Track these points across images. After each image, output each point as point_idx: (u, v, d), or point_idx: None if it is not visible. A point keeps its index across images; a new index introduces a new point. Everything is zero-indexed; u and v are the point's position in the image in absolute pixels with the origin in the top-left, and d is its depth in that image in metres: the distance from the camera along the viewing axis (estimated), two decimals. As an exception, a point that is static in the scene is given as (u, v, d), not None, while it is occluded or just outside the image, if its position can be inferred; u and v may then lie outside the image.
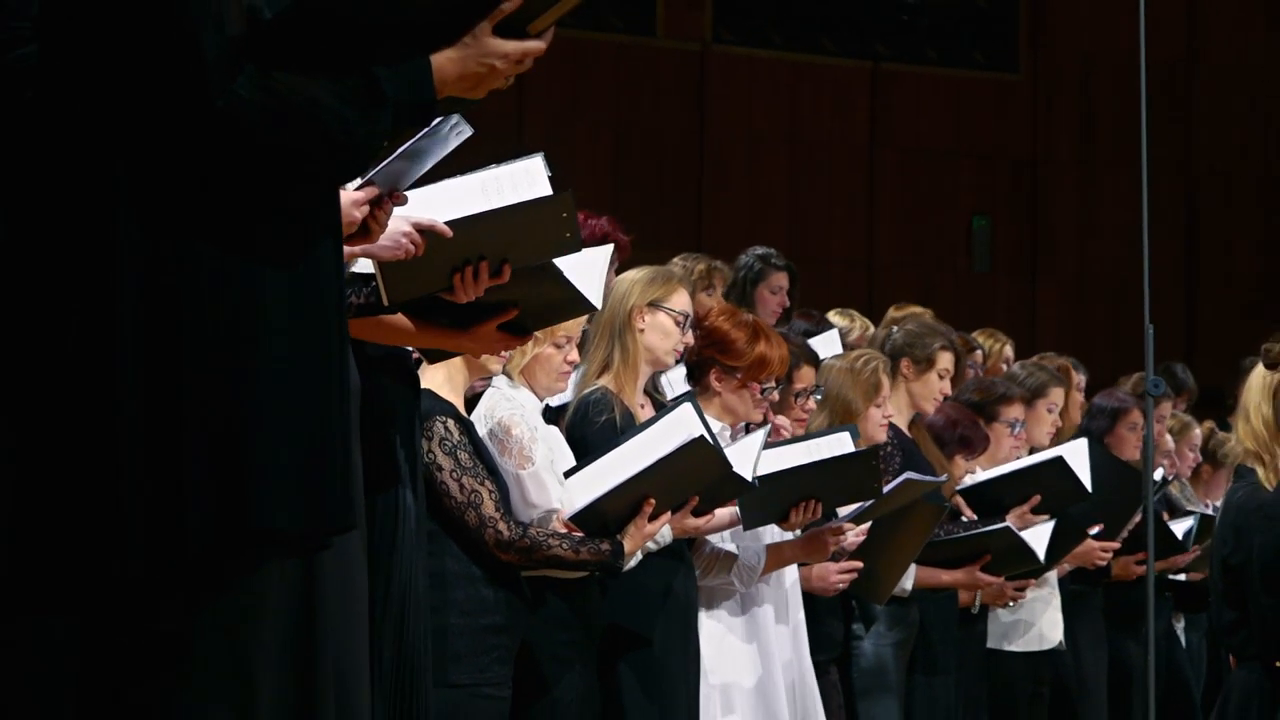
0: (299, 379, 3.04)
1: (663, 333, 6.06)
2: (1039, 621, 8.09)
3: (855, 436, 6.58)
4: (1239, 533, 6.33)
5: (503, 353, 5.37)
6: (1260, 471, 6.39)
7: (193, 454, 2.93)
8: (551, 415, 5.89)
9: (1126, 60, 18.06)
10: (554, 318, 4.97)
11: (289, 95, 2.94)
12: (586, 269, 4.76)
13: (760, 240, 10.07)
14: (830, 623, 7.17)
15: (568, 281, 4.54)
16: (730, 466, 5.72)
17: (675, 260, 8.58)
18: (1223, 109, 18.64)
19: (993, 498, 7.76)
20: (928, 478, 7.00)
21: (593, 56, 16.78)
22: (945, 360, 7.81)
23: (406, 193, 4.05)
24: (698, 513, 5.72)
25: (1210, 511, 8.75)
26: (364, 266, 4.24)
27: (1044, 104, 18.54)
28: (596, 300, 4.92)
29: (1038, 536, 7.48)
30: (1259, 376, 6.50)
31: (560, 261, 4.48)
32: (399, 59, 3.06)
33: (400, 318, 4.44)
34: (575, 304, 4.76)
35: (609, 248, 5.09)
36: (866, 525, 6.66)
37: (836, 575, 6.81)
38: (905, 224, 17.77)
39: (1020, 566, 7.54)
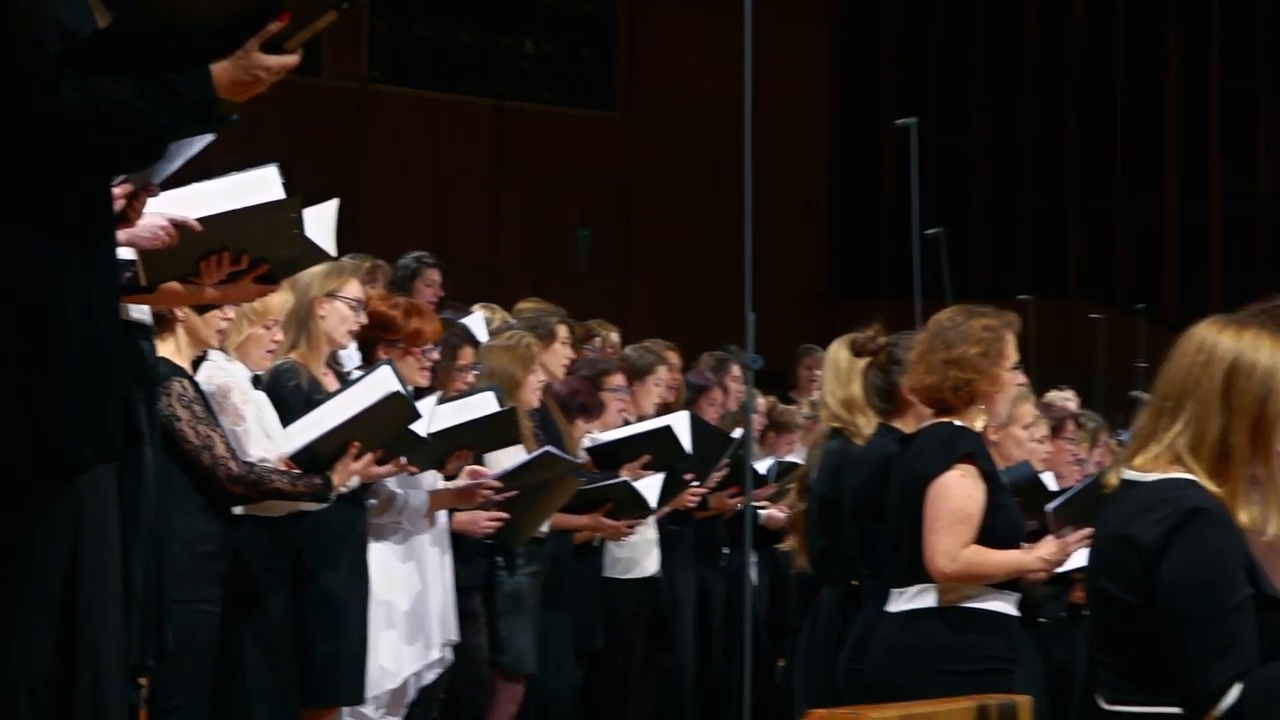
0: (90, 348, 3.14)
1: (340, 317, 6.13)
2: (641, 555, 8.33)
3: (499, 395, 6.80)
4: (834, 475, 6.50)
5: (218, 329, 5.47)
6: (849, 432, 6.65)
7: (14, 405, 3.06)
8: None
9: (700, 100, 18.49)
10: (298, 267, 4.95)
11: (108, 97, 3.00)
12: (317, 225, 4.73)
13: (408, 247, 10.19)
14: (477, 557, 7.29)
15: (307, 238, 4.57)
16: (419, 416, 5.84)
17: (344, 258, 8.64)
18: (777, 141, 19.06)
19: (612, 455, 7.91)
20: (566, 456, 7.19)
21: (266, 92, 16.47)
22: (563, 332, 8.09)
23: (166, 193, 4.08)
24: (381, 462, 5.84)
25: (785, 461, 9.04)
26: (124, 253, 4.18)
27: (636, 136, 18.80)
28: (330, 249, 4.96)
29: (649, 487, 7.66)
30: (844, 360, 6.68)
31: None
32: (188, 67, 3.15)
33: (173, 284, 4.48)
34: (314, 254, 4.78)
35: (334, 203, 5.04)
36: (513, 492, 6.82)
37: (485, 521, 6.98)
38: (524, 234, 17.95)
39: (635, 512, 7.71)
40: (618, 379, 8.45)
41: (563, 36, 18.90)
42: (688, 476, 8.08)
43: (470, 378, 7.27)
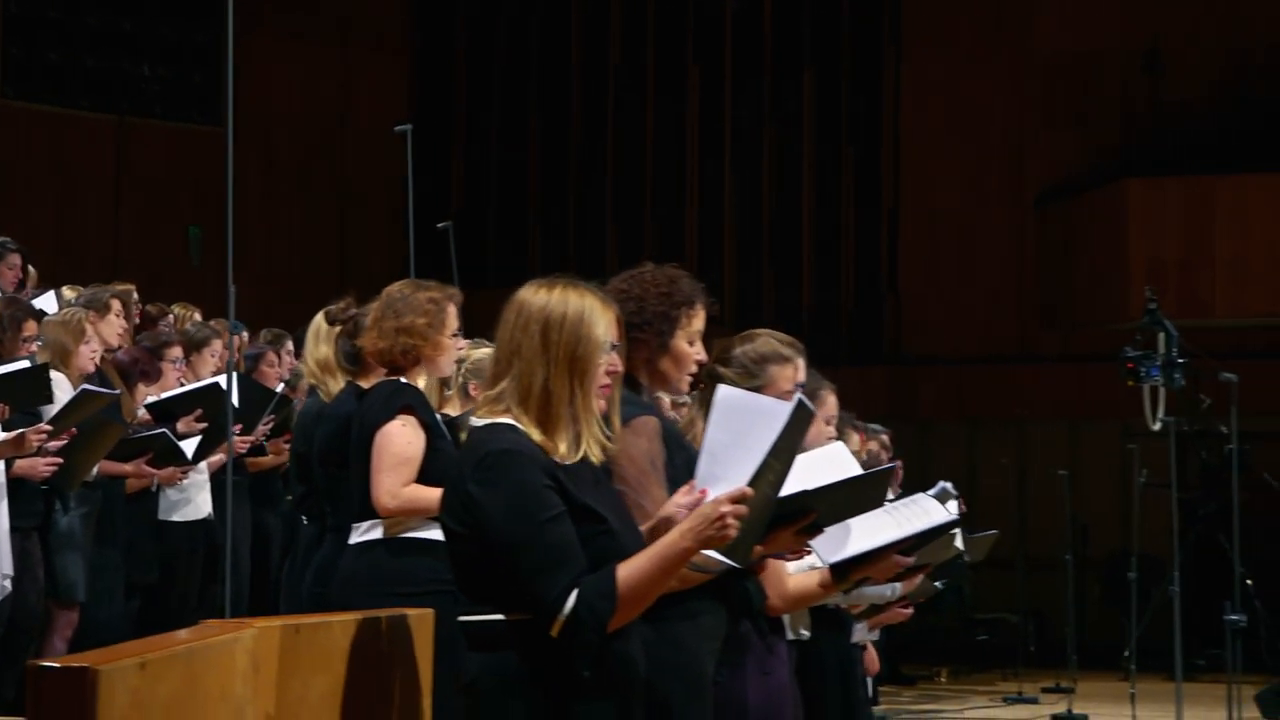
0: None
1: None
2: (195, 497, 8.29)
3: (34, 360, 6.81)
4: (305, 430, 6.67)
5: None
6: (321, 390, 6.75)
7: None
8: None
9: (295, 117, 18.55)
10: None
11: None
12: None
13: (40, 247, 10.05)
14: (34, 499, 7.18)
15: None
16: None
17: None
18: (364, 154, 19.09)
19: (169, 411, 7.94)
20: (103, 390, 7.13)
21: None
22: (116, 306, 8.15)
23: None
24: None
25: None
26: None
27: (240, 147, 18.53)
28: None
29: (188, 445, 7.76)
30: (322, 327, 6.84)
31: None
32: None
33: None
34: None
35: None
36: (64, 438, 6.82)
37: (43, 466, 6.88)
38: (143, 233, 17.55)
39: (174, 460, 7.74)
40: (176, 351, 8.56)
41: (177, 63, 18.46)
42: (236, 429, 8.06)
43: (33, 347, 7.33)
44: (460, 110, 19.99)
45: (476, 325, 10.66)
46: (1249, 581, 14.20)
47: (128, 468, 7.64)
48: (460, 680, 3.50)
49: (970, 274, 18.19)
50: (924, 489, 15.21)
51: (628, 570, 3.37)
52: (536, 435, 3.44)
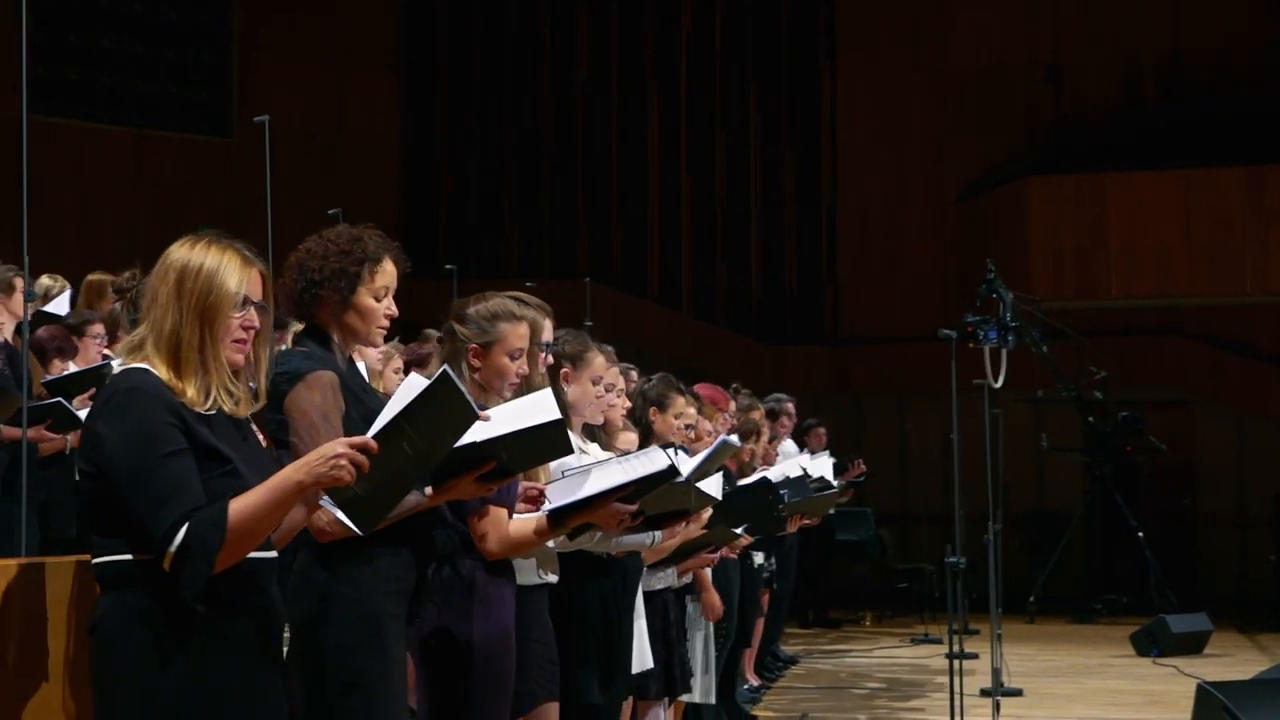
0: None
1: None
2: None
3: None
4: None
5: None
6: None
7: None
8: None
9: (296, 131, 17.99)
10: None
11: None
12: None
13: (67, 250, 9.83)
14: None
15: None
16: None
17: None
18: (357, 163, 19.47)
19: (63, 389, 7.41)
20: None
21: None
22: (19, 284, 7.63)
23: None
24: None
25: None
26: None
27: (246, 158, 18.75)
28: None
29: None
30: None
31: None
32: None
33: None
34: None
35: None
36: None
37: None
38: (158, 233, 17.67)
39: (73, 426, 7.27)
40: (98, 328, 8.04)
41: (189, 80, 18.52)
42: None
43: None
44: (444, 123, 20.17)
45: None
46: (1140, 534, 14.80)
47: (17, 431, 6.99)
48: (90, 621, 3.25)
49: (899, 263, 18.50)
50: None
51: (240, 503, 3.15)
52: (168, 376, 3.25)
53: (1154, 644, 12.51)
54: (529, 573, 4.56)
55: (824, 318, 19.10)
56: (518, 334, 4.40)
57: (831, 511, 11.79)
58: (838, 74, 19.20)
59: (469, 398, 3.35)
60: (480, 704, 4.17)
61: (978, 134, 18.49)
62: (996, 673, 9.34)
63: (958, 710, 8.33)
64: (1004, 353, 11.72)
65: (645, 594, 6.17)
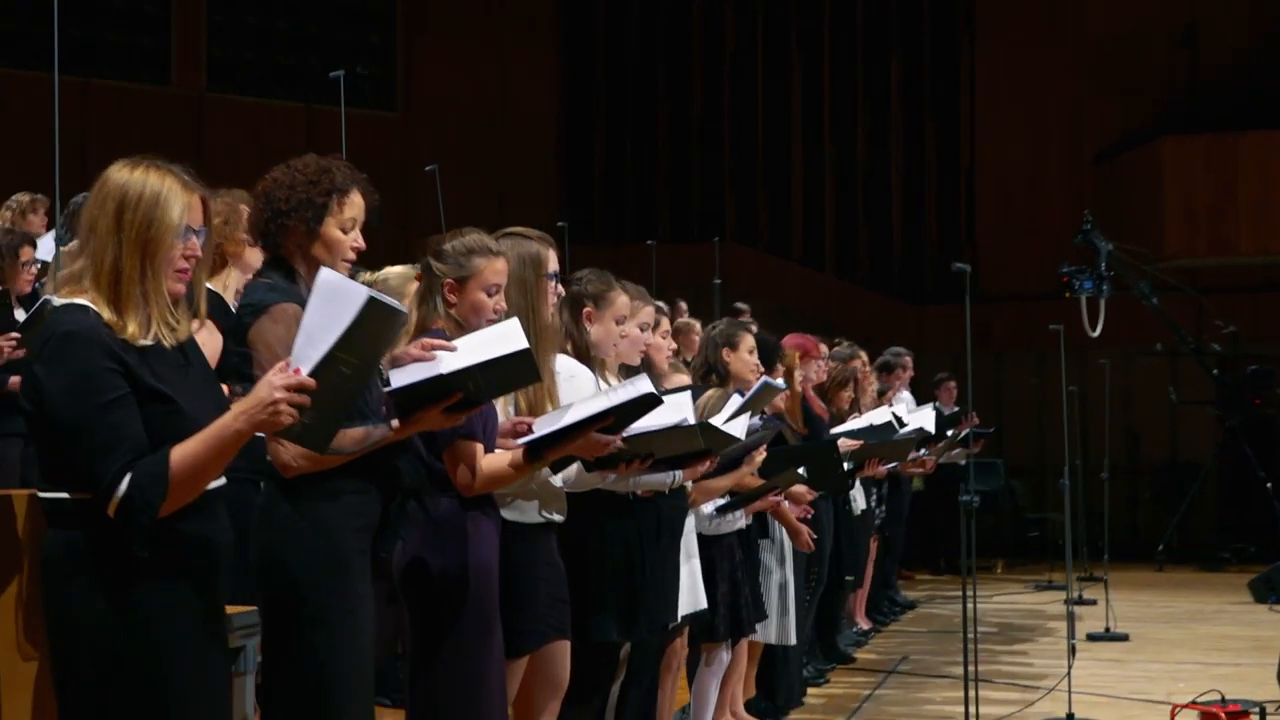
0: None
1: None
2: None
3: None
4: None
5: None
6: None
7: None
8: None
9: (461, 103, 19.14)
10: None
11: None
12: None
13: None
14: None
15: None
16: None
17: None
18: (519, 135, 19.77)
19: None
20: None
21: (124, 100, 16.75)
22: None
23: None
24: None
25: None
26: None
27: (413, 131, 19.04)
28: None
29: None
30: None
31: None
32: None
33: None
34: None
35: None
36: None
37: None
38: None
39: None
40: (28, 252, 7.35)
41: (356, 58, 18.87)
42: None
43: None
44: (600, 97, 20.62)
45: (624, 276, 11.29)
46: (1269, 485, 14.96)
47: None
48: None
49: (1037, 224, 18.67)
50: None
51: (181, 452, 3.04)
52: (108, 314, 3.09)
53: (1271, 591, 12.60)
54: (532, 512, 4.46)
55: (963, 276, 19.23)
56: (493, 269, 4.28)
57: (963, 463, 11.92)
58: (977, 43, 19.42)
59: (394, 304, 3.19)
60: (459, 638, 4.04)
61: (1114, 97, 18.61)
62: (1071, 616, 8.60)
63: (1063, 654, 8.31)
64: (1102, 302, 11.85)
65: (711, 537, 6.25)
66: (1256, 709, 7.21)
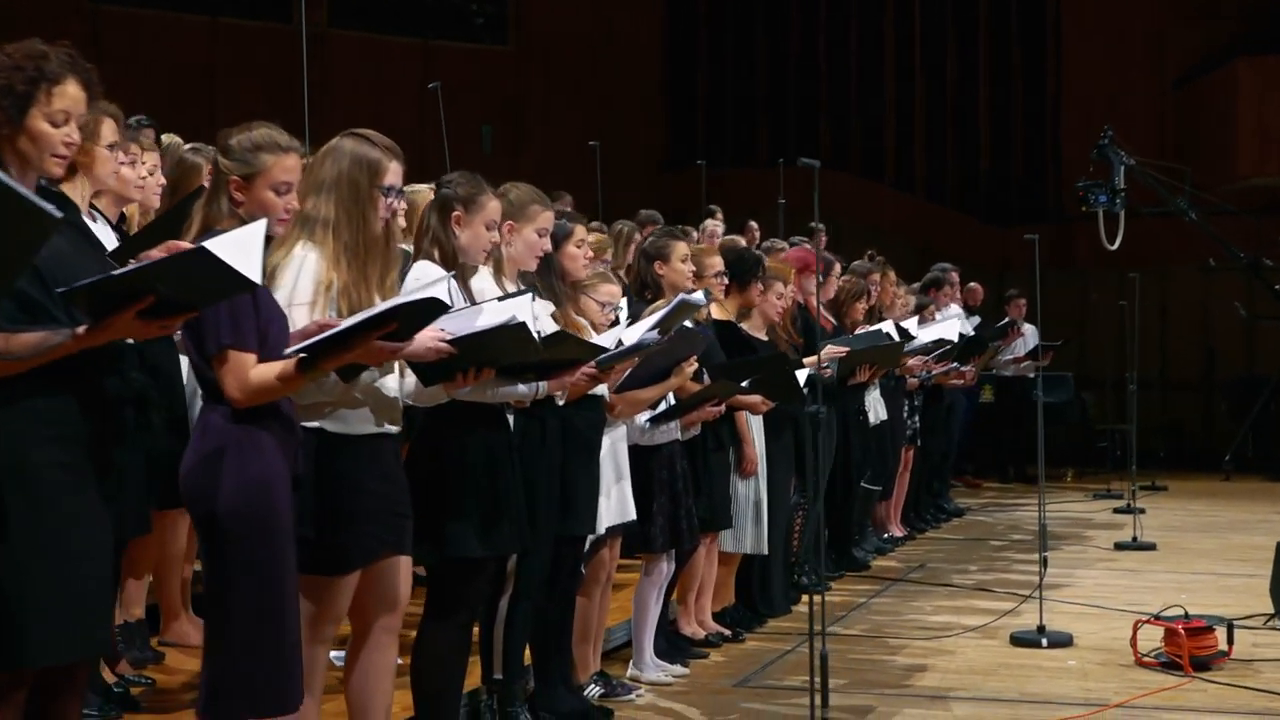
0: None
1: None
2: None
3: None
4: None
5: None
6: None
7: None
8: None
9: (569, 37, 19.37)
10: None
11: None
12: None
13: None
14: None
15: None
16: None
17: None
18: (624, 63, 20.24)
19: None
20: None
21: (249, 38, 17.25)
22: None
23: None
24: None
25: None
26: None
27: (523, 63, 19.54)
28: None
29: None
30: None
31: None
32: None
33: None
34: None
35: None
36: None
37: None
38: (445, 133, 18.66)
39: None
40: None
41: None
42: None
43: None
44: (703, 27, 21.01)
45: (719, 199, 11.78)
46: None
47: None
48: None
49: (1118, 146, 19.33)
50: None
51: None
52: None
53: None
54: (358, 422, 4.11)
55: (1046, 197, 19.59)
56: (283, 166, 3.90)
57: (1032, 375, 12.30)
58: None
59: (30, 198, 2.85)
60: (241, 555, 3.70)
61: (1194, 22, 18.72)
62: (1043, 529, 8.50)
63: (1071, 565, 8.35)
64: (1120, 216, 11.60)
65: (647, 448, 6.09)
66: (1224, 625, 7.00)
